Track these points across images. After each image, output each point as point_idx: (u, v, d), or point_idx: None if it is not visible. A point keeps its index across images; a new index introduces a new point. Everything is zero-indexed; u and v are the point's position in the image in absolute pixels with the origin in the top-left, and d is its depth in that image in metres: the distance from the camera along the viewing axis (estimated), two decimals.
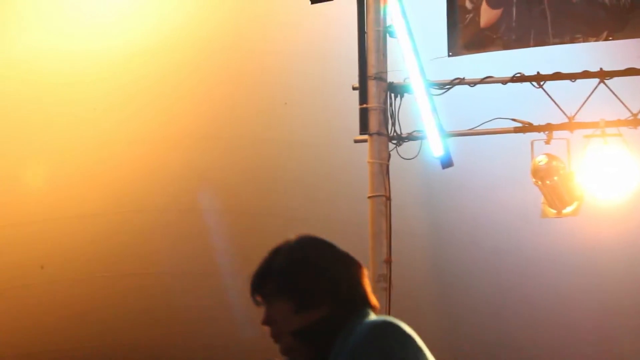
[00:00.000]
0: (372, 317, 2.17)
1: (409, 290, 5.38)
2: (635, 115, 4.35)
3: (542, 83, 4.41)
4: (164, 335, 6.32)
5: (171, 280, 5.88)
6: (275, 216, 5.63)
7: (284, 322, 2.16)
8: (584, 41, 4.52)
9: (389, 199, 4.04)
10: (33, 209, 5.40)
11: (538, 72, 4.44)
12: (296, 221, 5.64)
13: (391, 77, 4.39)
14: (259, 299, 2.19)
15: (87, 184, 5.45)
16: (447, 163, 4.29)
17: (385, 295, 3.79)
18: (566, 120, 4.40)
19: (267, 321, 2.17)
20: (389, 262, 3.86)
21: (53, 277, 5.82)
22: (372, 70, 4.25)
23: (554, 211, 4.65)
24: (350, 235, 5.46)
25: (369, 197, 4.05)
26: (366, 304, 2.22)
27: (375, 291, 3.74)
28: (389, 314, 3.75)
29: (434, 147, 4.25)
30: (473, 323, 6.29)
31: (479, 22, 4.47)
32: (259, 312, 2.19)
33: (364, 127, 4.25)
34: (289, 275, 2.18)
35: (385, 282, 3.81)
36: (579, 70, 4.43)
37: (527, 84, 4.46)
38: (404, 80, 4.31)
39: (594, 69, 4.43)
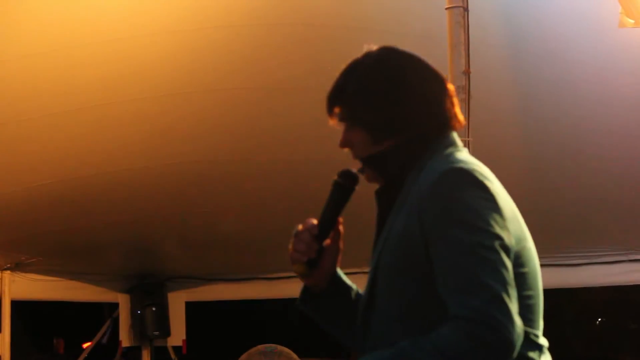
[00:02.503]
0: (451, 154, 2.01)
1: (488, 101, 5.37)
2: None
3: None
4: (245, 150, 6.45)
5: (253, 95, 5.91)
6: (350, 29, 5.58)
7: (361, 147, 2.07)
8: None
9: (466, 9, 3.97)
10: (113, 27, 5.41)
11: None
12: (370, 32, 5.60)
13: None
14: (335, 117, 2.09)
15: (166, 1, 5.42)
16: None
17: (465, 106, 3.78)
18: None
19: (344, 143, 2.09)
20: (467, 73, 3.83)
21: (135, 95, 5.90)
22: None
23: (632, 21, 4.54)
24: (428, 48, 5.47)
25: (447, 9, 3.98)
26: (450, 128, 2.07)
27: None
28: (469, 126, 3.77)
29: None
30: (551, 130, 6.29)
31: None
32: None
33: None
34: (361, 103, 2.05)
35: (464, 94, 3.79)
36: None
37: None
38: None
39: None
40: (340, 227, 2.14)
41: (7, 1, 5.22)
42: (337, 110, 2.10)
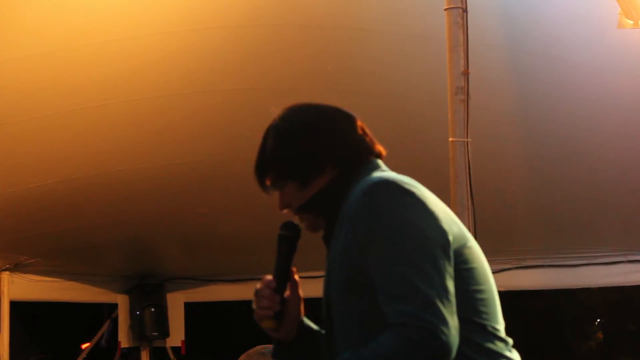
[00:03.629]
0: (377, 173, 2.09)
1: (487, 102, 5.37)
2: None
3: None
4: (244, 150, 6.44)
5: (252, 96, 5.91)
6: (348, 29, 5.58)
7: (296, 201, 2.16)
8: None
9: (465, 10, 3.97)
10: (110, 28, 5.41)
11: None
12: (369, 33, 5.60)
13: None
14: (268, 186, 2.20)
15: (165, 2, 5.41)
16: None
17: (463, 107, 3.78)
18: None
19: (283, 205, 2.20)
20: (466, 74, 3.82)
21: (133, 96, 5.90)
22: None
23: (631, 21, 4.54)
24: (427, 48, 5.47)
25: (445, 10, 3.98)
26: (370, 154, 2.16)
27: (453, 104, 3.76)
28: (467, 127, 3.76)
29: None
30: (550, 130, 6.29)
31: None
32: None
33: None
34: (280, 159, 2.15)
35: (462, 95, 3.79)
36: None
37: None
38: None
39: None
40: (296, 276, 2.22)
41: (4, 2, 5.21)
42: (268, 182, 2.22)
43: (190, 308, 9.25)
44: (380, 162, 2.18)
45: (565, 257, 8.24)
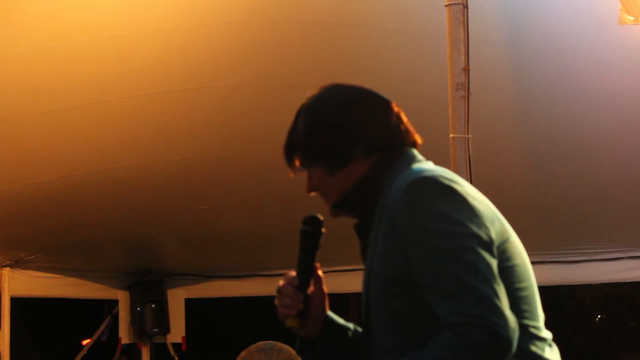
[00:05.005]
0: (415, 165, 2.04)
1: (487, 98, 5.37)
2: None
3: None
4: (245, 147, 6.45)
5: (253, 92, 5.91)
6: (349, 26, 5.58)
7: (325, 187, 2.10)
8: None
9: (466, 6, 3.96)
10: (111, 24, 5.40)
11: None
12: (369, 29, 5.60)
13: None
14: (297, 167, 2.13)
15: None
16: None
17: (464, 103, 3.78)
18: None
19: (310, 188, 2.13)
20: (467, 70, 3.82)
21: (134, 92, 5.90)
22: None
23: (632, 18, 4.54)
24: (428, 44, 5.48)
25: (446, 6, 3.97)
26: (406, 144, 2.10)
27: (453, 100, 3.76)
28: (468, 123, 3.76)
29: None
30: (550, 127, 6.29)
31: None
32: None
33: None
34: (310, 140, 2.09)
35: (463, 91, 3.78)
36: None
37: None
38: None
39: None
40: (319, 272, 2.16)
41: None
42: (296, 162, 2.15)
43: (191, 304, 9.26)
44: (415, 152, 2.12)
45: (565, 253, 8.25)
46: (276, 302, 2.13)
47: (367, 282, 2.04)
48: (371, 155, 2.08)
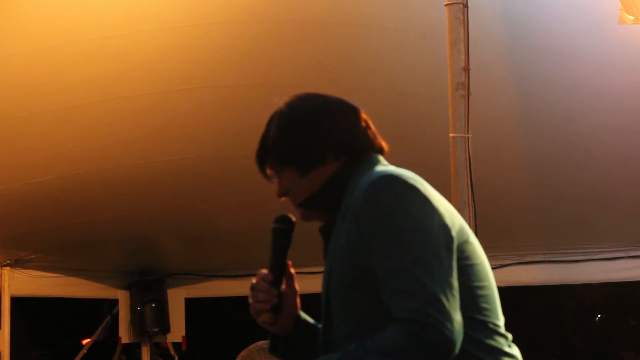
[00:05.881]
0: (379, 167, 2.09)
1: (487, 98, 5.37)
2: None
3: None
4: (244, 146, 6.44)
5: (250, 92, 5.90)
6: (349, 25, 5.58)
7: (295, 190, 2.16)
8: None
9: (466, 5, 3.96)
10: (110, 24, 5.41)
11: None
12: (369, 29, 5.59)
13: None
14: (269, 173, 2.19)
15: None
16: None
17: (464, 103, 3.78)
18: None
19: (281, 193, 2.19)
20: (467, 69, 3.82)
21: (133, 92, 5.90)
22: None
23: (632, 17, 4.54)
24: (428, 44, 5.48)
25: (446, 5, 3.97)
26: (372, 149, 2.16)
27: (453, 99, 3.76)
28: (468, 122, 3.76)
29: None
30: (550, 126, 6.29)
31: None
32: None
33: None
34: (281, 143, 2.15)
35: (463, 90, 3.78)
36: None
37: None
38: None
39: None
40: (291, 270, 2.21)
41: None
42: (268, 169, 2.21)
43: (191, 304, 9.26)
44: (381, 157, 2.18)
45: (565, 252, 8.24)
46: (250, 300, 2.18)
47: (328, 278, 2.10)
48: (340, 158, 2.14)
